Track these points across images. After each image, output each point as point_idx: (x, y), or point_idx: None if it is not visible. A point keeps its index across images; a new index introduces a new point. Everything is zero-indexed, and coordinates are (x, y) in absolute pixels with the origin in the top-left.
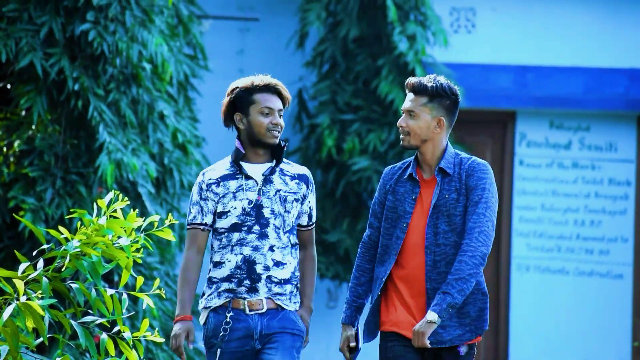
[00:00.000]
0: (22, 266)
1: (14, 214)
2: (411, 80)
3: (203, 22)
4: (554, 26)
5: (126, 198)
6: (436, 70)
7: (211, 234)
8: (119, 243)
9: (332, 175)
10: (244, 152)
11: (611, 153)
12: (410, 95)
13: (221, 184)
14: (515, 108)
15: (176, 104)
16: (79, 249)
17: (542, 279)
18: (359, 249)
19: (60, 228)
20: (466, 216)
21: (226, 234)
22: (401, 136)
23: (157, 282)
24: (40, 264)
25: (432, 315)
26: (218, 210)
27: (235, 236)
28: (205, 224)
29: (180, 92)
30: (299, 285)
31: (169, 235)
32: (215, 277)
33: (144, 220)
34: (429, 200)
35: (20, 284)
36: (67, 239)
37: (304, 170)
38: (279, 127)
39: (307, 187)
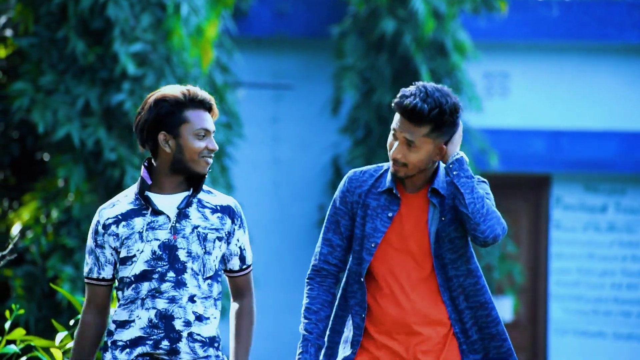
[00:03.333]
0: (60, 335)
1: (51, 284)
2: (405, 103)
3: (238, 90)
4: (586, 90)
5: None
6: (470, 136)
7: (117, 287)
8: None
9: None
10: (150, 182)
11: None
12: (405, 122)
13: (122, 223)
14: (549, 172)
15: (212, 171)
16: None
17: (580, 343)
18: (308, 279)
19: None
20: None
21: (133, 285)
22: (394, 166)
23: None
24: None
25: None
26: (121, 256)
27: (145, 286)
28: (104, 279)
29: (216, 160)
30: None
31: None
32: (120, 341)
33: None
34: (412, 222)
35: (58, 353)
36: None
37: (229, 200)
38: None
39: (233, 222)
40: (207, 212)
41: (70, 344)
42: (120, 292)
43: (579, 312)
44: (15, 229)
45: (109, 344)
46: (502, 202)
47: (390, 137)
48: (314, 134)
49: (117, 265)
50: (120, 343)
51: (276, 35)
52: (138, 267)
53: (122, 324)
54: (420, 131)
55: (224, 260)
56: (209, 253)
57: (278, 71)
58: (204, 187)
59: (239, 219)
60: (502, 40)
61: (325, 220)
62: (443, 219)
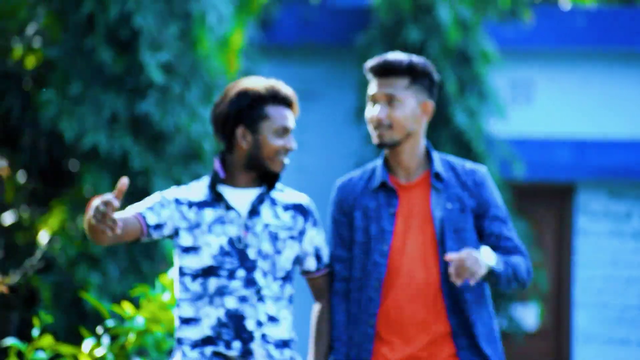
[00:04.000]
0: (87, 342)
1: (79, 292)
2: (379, 61)
3: None
4: (612, 98)
5: None
6: (496, 144)
7: (177, 279)
8: None
9: None
10: (223, 175)
11: None
12: (381, 80)
13: (194, 209)
14: (575, 180)
15: None
16: (143, 325)
17: (605, 350)
18: (331, 300)
19: (124, 304)
20: (489, 237)
21: (200, 279)
22: (377, 131)
23: None
24: (106, 340)
25: (490, 256)
26: (185, 243)
27: (213, 283)
28: (144, 217)
29: None
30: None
31: None
32: (189, 339)
33: None
34: (415, 212)
35: None
36: (131, 316)
37: (301, 198)
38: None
39: (306, 220)
40: (279, 209)
41: (98, 351)
42: (182, 285)
43: (604, 319)
44: (43, 238)
45: (176, 342)
46: (527, 210)
47: (368, 109)
48: (339, 142)
49: (173, 240)
50: (189, 341)
51: (302, 44)
52: (204, 260)
53: (189, 321)
54: (400, 83)
55: (299, 261)
56: (280, 252)
57: (303, 79)
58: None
59: (312, 217)
60: (528, 48)
61: (330, 236)
62: (448, 206)
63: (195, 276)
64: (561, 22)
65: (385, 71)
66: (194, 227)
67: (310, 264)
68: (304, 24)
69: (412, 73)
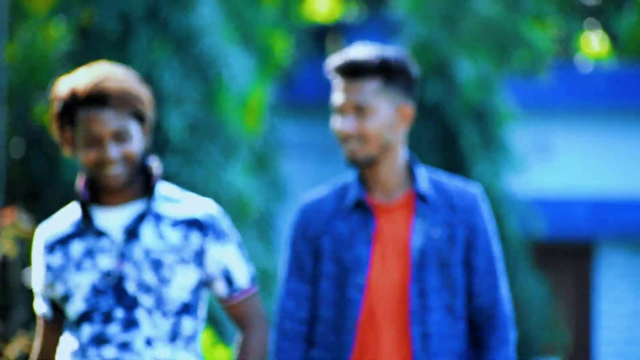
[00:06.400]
0: None
1: None
2: (348, 57)
3: (284, 155)
4: (631, 157)
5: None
6: (516, 202)
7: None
8: None
9: None
10: (86, 196)
11: None
12: (347, 83)
13: (58, 249)
14: (595, 237)
15: (252, 229)
16: None
17: None
18: (278, 343)
19: None
20: (473, 275)
21: (73, 328)
22: (347, 147)
23: None
24: None
25: None
26: (60, 293)
27: (87, 331)
28: (46, 317)
29: (259, 223)
30: None
31: None
32: None
33: None
34: (392, 238)
35: None
36: None
37: (198, 209)
38: (118, 162)
39: (205, 236)
40: (165, 227)
41: None
42: (64, 340)
43: None
44: None
45: None
46: (548, 267)
47: (334, 120)
48: None
49: (59, 303)
50: None
51: (323, 101)
52: (77, 305)
53: None
54: (370, 87)
55: (208, 286)
56: (166, 282)
57: (324, 136)
58: (167, 191)
59: (213, 231)
60: (548, 107)
61: (285, 266)
62: (434, 235)
63: (69, 326)
64: (581, 81)
65: (352, 72)
66: (61, 270)
67: (219, 289)
68: (325, 82)
69: (385, 72)
